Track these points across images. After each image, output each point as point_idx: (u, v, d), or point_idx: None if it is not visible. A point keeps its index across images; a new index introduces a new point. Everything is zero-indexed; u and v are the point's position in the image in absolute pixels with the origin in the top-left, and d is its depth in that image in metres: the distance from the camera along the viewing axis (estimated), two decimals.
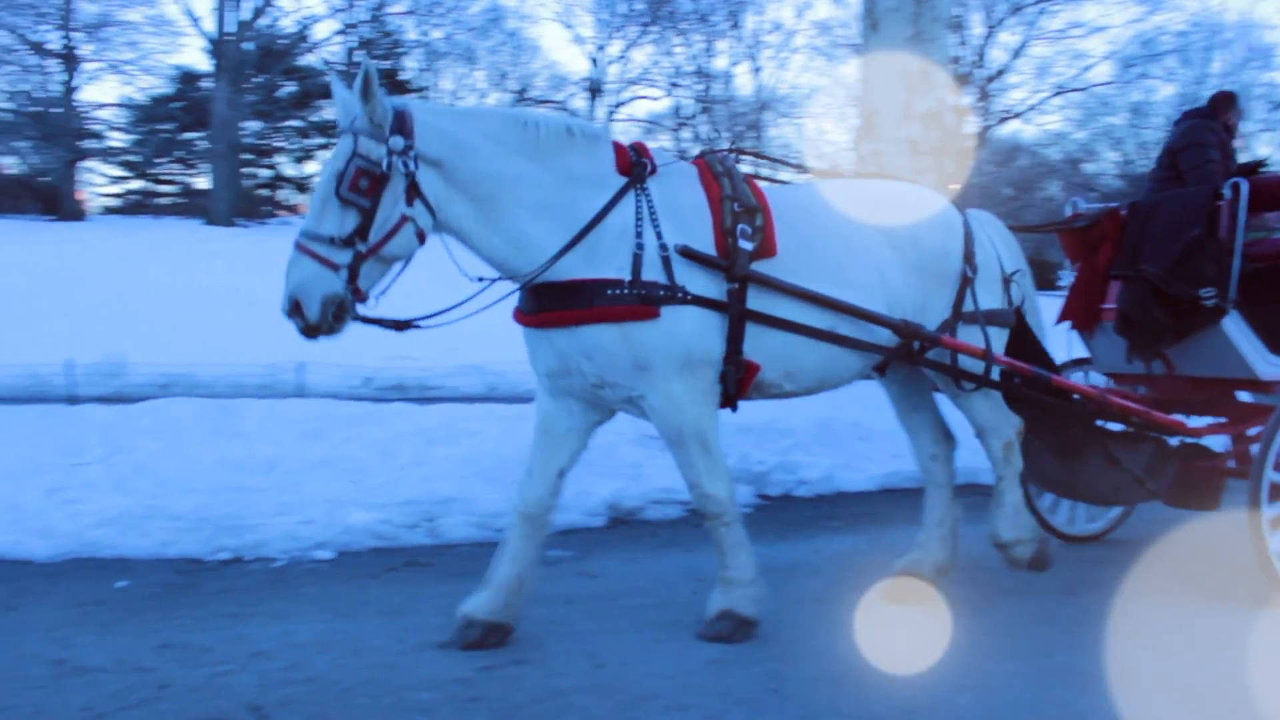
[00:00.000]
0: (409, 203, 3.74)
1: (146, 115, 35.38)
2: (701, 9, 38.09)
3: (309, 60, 37.08)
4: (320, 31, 36.49)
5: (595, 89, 41.07)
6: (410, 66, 39.97)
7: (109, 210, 36.91)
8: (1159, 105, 36.58)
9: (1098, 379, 6.12)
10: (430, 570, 5.34)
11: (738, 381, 4.05)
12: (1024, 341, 4.89)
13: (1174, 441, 5.46)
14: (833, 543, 5.97)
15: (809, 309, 4.12)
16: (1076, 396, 5.04)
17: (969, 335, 4.58)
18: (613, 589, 4.95)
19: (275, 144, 37.36)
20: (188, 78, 35.75)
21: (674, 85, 40.64)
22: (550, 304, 3.93)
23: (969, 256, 4.61)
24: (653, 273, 3.87)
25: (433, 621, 4.35)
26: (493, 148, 3.86)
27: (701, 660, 3.98)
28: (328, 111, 36.78)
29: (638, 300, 3.83)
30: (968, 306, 4.58)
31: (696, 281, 3.92)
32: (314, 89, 36.57)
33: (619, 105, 42.09)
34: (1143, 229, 5.45)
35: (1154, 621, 4.54)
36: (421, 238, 3.82)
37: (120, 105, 36.57)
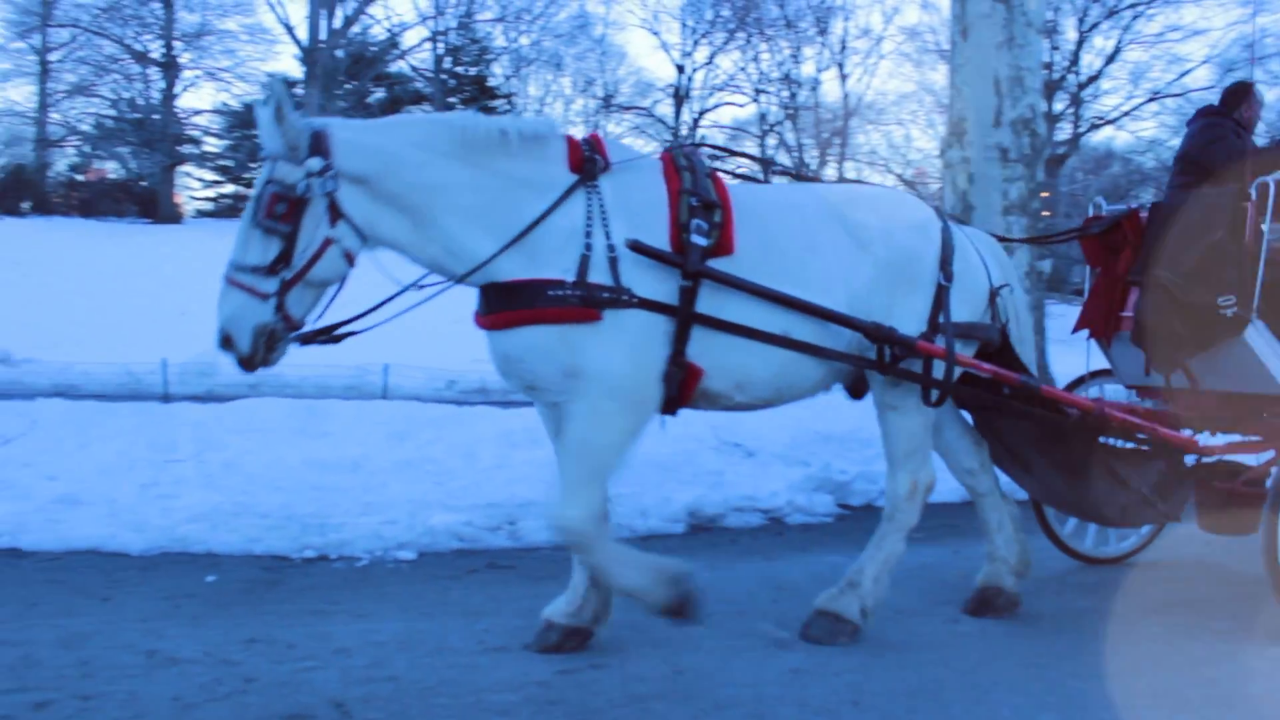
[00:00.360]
0: (332, 224, 3.62)
1: (241, 121, 36.24)
2: (789, 15, 37.92)
3: (398, 67, 37.70)
4: (409, 39, 37.08)
5: (681, 95, 41.10)
6: (497, 73, 40.38)
7: (203, 214, 37.87)
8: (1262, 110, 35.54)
9: (1120, 393, 5.77)
10: (511, 573, 5.37)
11: (680, 383, 3.87)
12: (1007, 360, 4.62)
13: (1191, 460, 5.15)
14: (914, 554, 5.84)
15: (765, 312, 3.91)
16: (1074, 410, 4.71)
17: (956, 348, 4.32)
18: None
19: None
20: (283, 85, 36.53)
21: (760, 92, 40.50)
22: (495, 305, 3.81)
23: (945, 263, 4.33)
24: (599, 274, 3.71)
25: (513, 624, 4.38)
26: (421, 155, 3.73)
27: (781, 669, 3.95)
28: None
29: (580, 301, 3.67)
30: (946, 316, 4.29)
31: (645, 284, 3.74)
32: (403, 95, 37.23)
33: (704, 111, 42.08)
34: (1162, 232, 5.10)
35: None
36: (350, 259, 3.71)
37: (216, 112, 37.57)
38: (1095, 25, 34.32)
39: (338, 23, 32.90)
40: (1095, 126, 36.12)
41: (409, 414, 8.01)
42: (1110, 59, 35.06)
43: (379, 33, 36.10)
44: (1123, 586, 4.80)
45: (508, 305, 3.75)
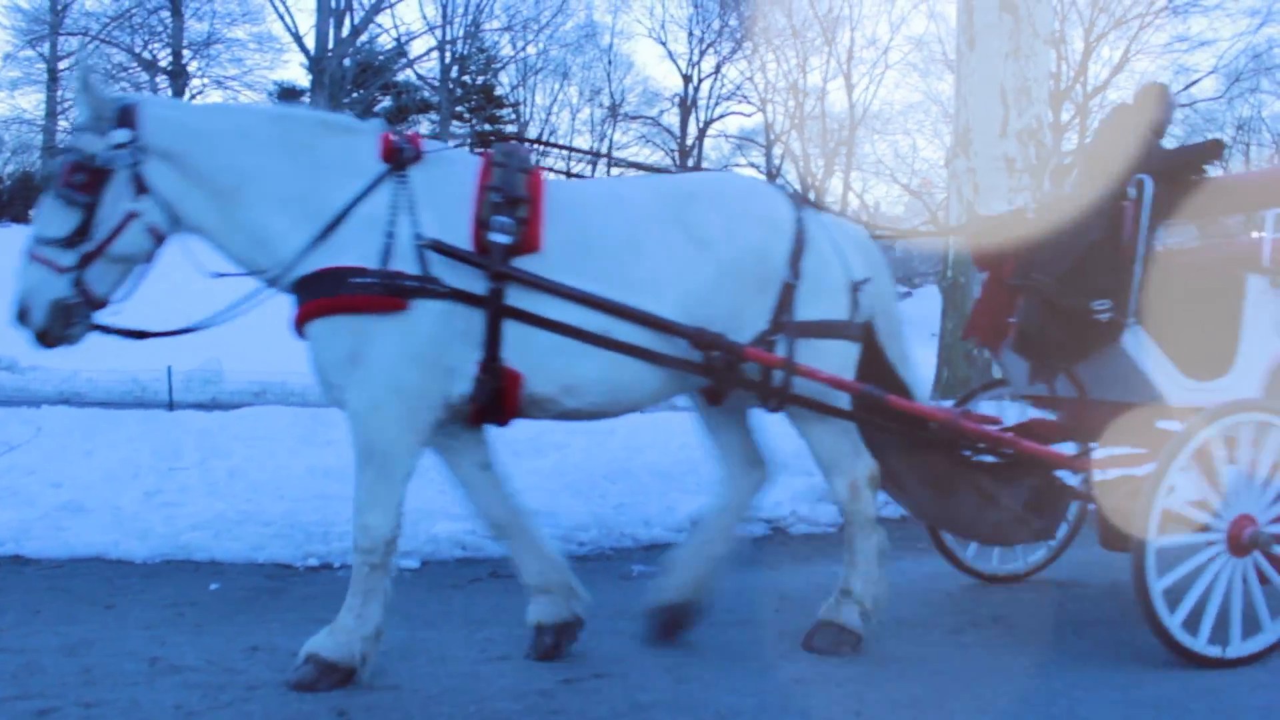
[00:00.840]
0: (135, 198, 3.58)
1: None
2: (795, 24, 38.02)
3: (405, 76, 37.81)
4: (417, 48, 37.16)
5: (688, 105, 41.18)
6: (504, 82, 40.52)
7: None
8: (1269, 120, 35.58)
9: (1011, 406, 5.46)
10: (513, 581, 5.29)
11: (495, 391, 3.73)
12: (875, 360, 4.39)
13: (1076, 477, 4.94)
14: (918, 565, 5.87)
15: (583, 311, 3.72)
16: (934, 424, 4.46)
17: (802, 351, 4.03)
18: None
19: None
20: (288, 93, 36.68)
21: (766, 101, 40.59)
22: (301, 299, 3.66)
23: (795, 259, 4.05)
24: (404, 263, 3.58)
25: (515, 633, 4.37)
26: (239, 141, 3.66)
27: (784, 679, 3.94)
28: (424, 126, 37.46)
29: (383, 290, 3.54)
30: (790, 316, 4.02)
31: (454, 275, 3.62)
32: (410, 104, 37.31)
33: (711, 121, 42.20)
34: (1044, 233, 4.78)
35: None
36: (157, 236, 3.66)
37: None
38: (1102, 35, 34.41)
39: (345, 32, 33.03)
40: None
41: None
42: (1117, 69, 35.11)
43: (386, 42, 36.25)
44: (1126, 596, 4.77)
45: (311, 295, 3.62)
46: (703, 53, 41.02)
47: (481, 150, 4.01)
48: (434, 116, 38.30)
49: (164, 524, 5.84)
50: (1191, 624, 4.12)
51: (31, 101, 36.49)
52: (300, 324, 3.68)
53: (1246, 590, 4.25)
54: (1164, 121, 4.99)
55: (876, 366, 4.39)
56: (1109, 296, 4.42)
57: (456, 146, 4.08)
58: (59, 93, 34.33)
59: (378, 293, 3.54)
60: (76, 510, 6.06)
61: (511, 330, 3.68)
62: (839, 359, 4.14)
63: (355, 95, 34.54)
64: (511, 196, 3.74)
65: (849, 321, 4.18)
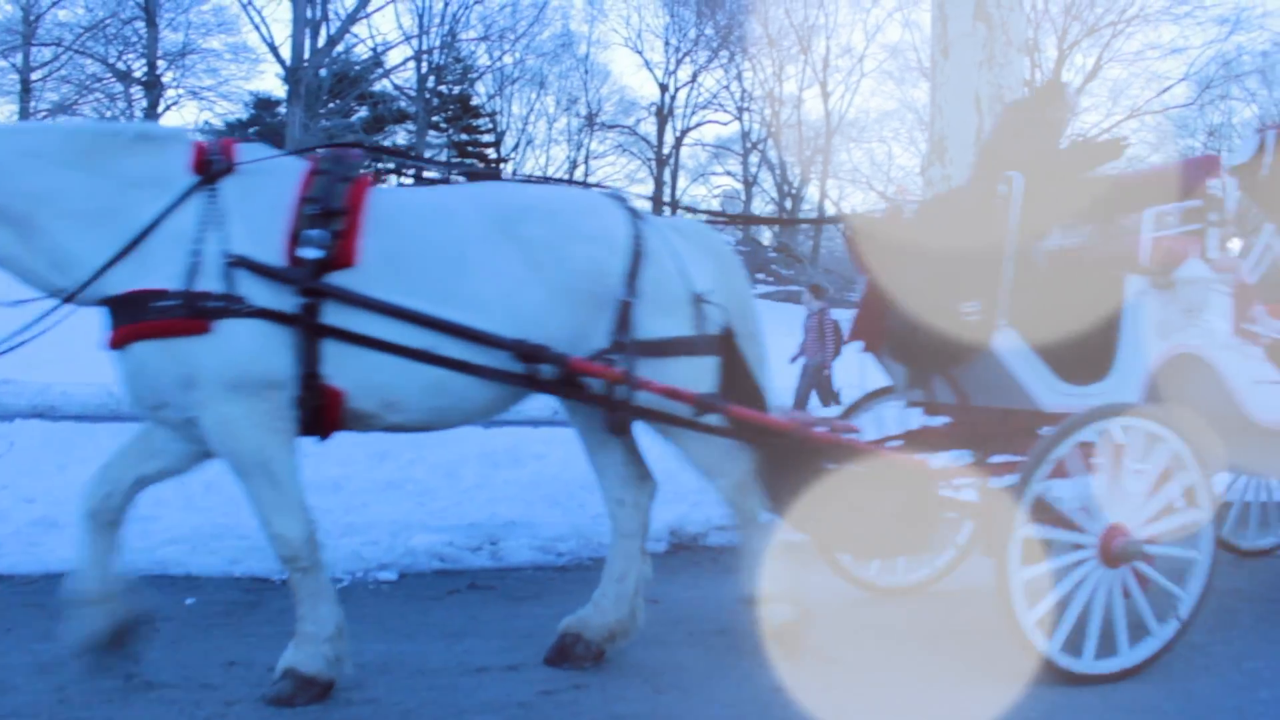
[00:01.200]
0: None
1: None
2: (771, 33, 38.17)
3: (382, 86, 37.75)
4: (393, 58, 37.13)
5: (664, 114, 41.28)
6: (481, 92, 40.51)
7: None
8: (1239, 127, 35.93)
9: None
10: (492, 593, 5.36)
11: (316, 409, 3.61)
12: (734, 372, 4.20)
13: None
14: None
15: (404, 327, 3.59)
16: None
17: (645, 370, 3.88)
18: (674, 615, 4.93)
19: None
20: (264, 103, 36.63)
21: (743, 110, 40.75)
22: (110, 322, 3.55)
23: (631, 277, 3.90)
24: (210, 281, 3.43)
25: (494, 644, 4.37)
26: (28, 162, 3.49)
27: (762, 688, 3.95)
28: (400, 136, 37.41)
29: (186, 313, 3.41)
30: (630, 334, 3.88)
31: (263, 292, 3.47)
32: (386, 114, 37.25)
33: (688, 130, 42.29)
34: (917, 233, 4.65)
35: None
36: None
37: (199, 131, 37.51)
38: (1075, 43, 34.69)
39: (321, 42, 32.95)
40: (1076, 142, 36.35)
41: (390, 434, 7.98)
42: (1090, 76, 35.41)
43: (363, 52, 36.19)
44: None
45: (118, 320, 3.51)
46: (679, 62, 41.16)
47: (310, 157, 3.85)
48: (411, 126, 38.27)
49: (139, 538, 5.78)
50: (1060, 635, 3.96)
51: (4, 113, 36.26)
52: (112, 347, 3.56)
53: (1126, 601, 4.09)
54: (1062, 120, 4.86)
55: (738, 373, 4.22)
56: (978, 298, 4.28)
57: (293, 153, 3.92)
58: (32, 104, 34.14)
59: (181, 315, 3.42)
60: (50, 526, 6.00)
61: (331, 347, 3.55)
62: (688, 375, 3.99)
63: (332, 105, 34.48)
64: (328, 208, 3.60)
65: (694, 337, 4.03)
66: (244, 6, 31.82)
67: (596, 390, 3.92)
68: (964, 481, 4.63)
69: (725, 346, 4.16)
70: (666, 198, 40.21)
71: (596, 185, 4.23)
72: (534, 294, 3.79)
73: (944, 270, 4.36)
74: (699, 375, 4.03)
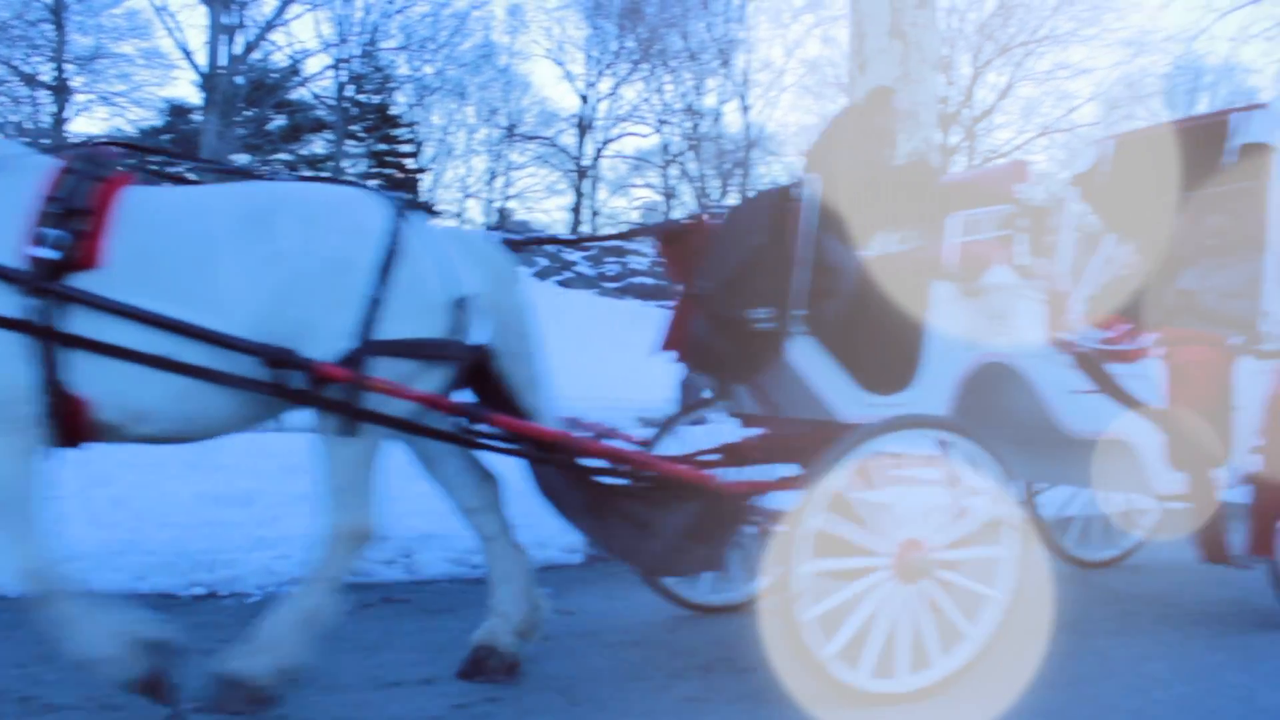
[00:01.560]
0: None
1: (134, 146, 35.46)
2: (692, 47, 38.37)
3: (300, 94, 37.25)
4: (312, 66, 36.62)
5: (585, 125, 41.30)
6: (400, 101, 40.15)
7: None
8: None
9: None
10: (406, 606, 5.31)
11: (64, 415, 3.41)
12: (494, 392, 4.09)
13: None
14: None
15: (144, 332, 3.35)
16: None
17: (385, 370, 3.64)
18: (589, 627, 4.93)
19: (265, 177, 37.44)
20: (178, 110, 35.88)
21: (663, 123, 40.87)
22: None
23: (384, 272, 3.63)
24: None
25: (408, 658, 4.33)
26: None
27: (676, 698, 3.96)
28: (318, 145, 36.96)
29: None
30: (381, 334, 3.62)
31: None
32: (304, 123, 36.76)
33: (608, 142, 42.31)
34: (716, 239, 4.46)
35: None
36: None
37: (110, 137, 36.61)
38: (989, 62, 35.42)
39: (238, 49, 32.43)
40: (989, 160, 37.20)
41: (305, 446, 7.85)
42: (1003, 94, 36.22)
43: (281, 59, 35.66)
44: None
45: None
46: (600, 74, 41.19)
47: (63, 155, 3.59)
48: (329, 135, 37.81)
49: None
50: (850, 654, 3.82)
51: None
52: None
53: (929, 618, 3.96)
54: (890, 128, 4.78)
55: (499, 394, 4.10)
56: (771, 305, 4.06)
57: (47, 151, 3.66)
58: None
59: None
60: None
61: (74, 354, 3.33)
62: (429, 379, 3.79)
63: (248, 113, 33.94)
64: (70, 208, 3.37)
65: (446, 341, 3.77)
66: (158, 11, 31.24)
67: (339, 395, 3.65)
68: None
69: (488, 362, 4.01)
70: (586, 209, 40.31)
71: (369, 185, 3.97)
72: (271, 286, 3.52)
73: (737, 277, 4.19)
74: (436, 383, 3.83)
